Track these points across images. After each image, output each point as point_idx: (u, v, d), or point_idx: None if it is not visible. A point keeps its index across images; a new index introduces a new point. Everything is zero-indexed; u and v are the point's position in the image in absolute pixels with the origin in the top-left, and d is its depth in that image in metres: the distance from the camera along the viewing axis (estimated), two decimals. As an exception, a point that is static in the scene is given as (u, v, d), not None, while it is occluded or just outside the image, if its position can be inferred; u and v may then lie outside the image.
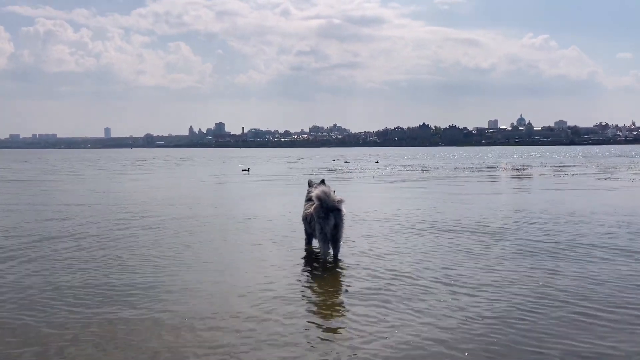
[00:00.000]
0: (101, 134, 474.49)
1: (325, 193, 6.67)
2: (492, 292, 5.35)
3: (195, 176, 28.04)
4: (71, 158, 75.31)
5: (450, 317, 4.66)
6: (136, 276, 6.13)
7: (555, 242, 7.80)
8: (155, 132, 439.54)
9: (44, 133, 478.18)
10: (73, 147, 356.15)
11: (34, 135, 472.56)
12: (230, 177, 26.72)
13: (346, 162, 48.77)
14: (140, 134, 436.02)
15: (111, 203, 14.05)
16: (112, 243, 8.10)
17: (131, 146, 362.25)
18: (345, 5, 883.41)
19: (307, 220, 7.17)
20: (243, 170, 31.40)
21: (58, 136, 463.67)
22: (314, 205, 6.81)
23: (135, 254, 7.33)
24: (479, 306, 4.94)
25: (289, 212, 11.26)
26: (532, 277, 5.92)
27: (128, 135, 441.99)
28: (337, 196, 6.72)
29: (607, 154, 72.64)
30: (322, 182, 7.73)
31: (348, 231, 7.89)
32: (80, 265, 6.71)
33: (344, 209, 6.74)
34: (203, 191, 18.74)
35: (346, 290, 5.47)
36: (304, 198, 7.82)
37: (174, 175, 29.76)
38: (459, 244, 7.75)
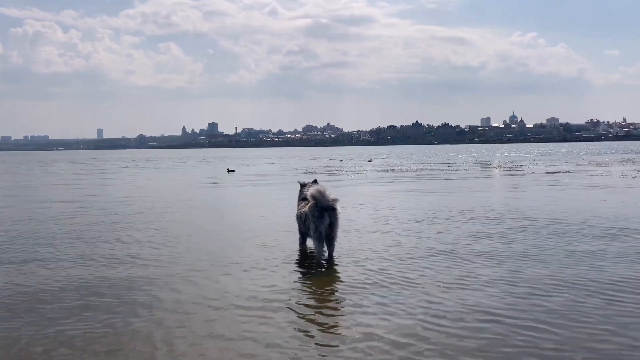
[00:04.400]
0: (93, 135, 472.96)
1: (320, 192, 6.59)
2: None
3: (182, 180, 27.85)
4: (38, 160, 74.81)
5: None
6: (136, 269, 6.01)
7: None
8: (148, 133, 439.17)
9: (35, 135, 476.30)
10: (65, 149, 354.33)
11: (25, 137, 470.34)
12: (214, 181, 26.54)
13: (340, 161, 48.87)
14: (133, 134, 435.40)
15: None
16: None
17: (124, 147, 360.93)
18: (333, 5, 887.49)
19: (302, 219, 7.09)
20: (229, 171, 30.88)
21: (50, 137, 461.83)
22: (309, 204, 6.73)
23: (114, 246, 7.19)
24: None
25: (281, 213, 11.15)
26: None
27: (121, 136, 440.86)
28: (332, 195, 6.64)
29: (619, 150, 73.00)
30: (315, 182, 7.66)
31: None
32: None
33: (339, 207, 6.66)
34: (188, 195, 18.58)
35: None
36: (296, 199, 7.74)
37: (168, 177, 29.53)
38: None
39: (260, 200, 14.37)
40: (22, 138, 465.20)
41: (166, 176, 28.84)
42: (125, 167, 43.18)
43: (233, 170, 31.00)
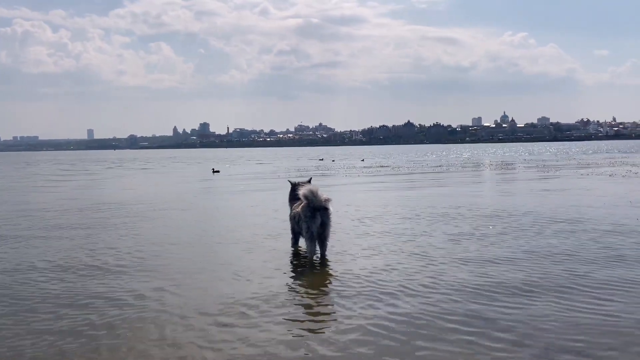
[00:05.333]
0: (84, 136, 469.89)
1: (312, 192, 6.58)
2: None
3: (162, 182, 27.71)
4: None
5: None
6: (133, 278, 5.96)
7: None
8: (139, 133, 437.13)
9: (25, 135, 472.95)
10: (55, 149, 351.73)
11: (14, 137, 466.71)
12: (195, 183, 26.43)
13: (332, 161, 48.91)
14: (124, 134, 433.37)
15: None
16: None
17: (115, 147, 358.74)
18: (324, 5, 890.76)
19: (296, 219, 7.06)
20: (214, 172, 30.57)
21: (40, 138, 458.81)
22: (301, 204, 6.73)
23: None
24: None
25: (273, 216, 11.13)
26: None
27: (111, 137, 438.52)
28: (324, 195, 6.63)
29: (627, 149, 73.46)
30: (309, 181, 7.65)
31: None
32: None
33: (331, 207, 6.66)
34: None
35: None
36: (287, 200, 7.74)
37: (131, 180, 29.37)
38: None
39: (245, 202, 14.33)
40: (11, 139, 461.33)
41: (147, 179, 28.70)
42: (110, 168, 42.90)
43: (218, 171, 30.86)
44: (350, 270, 6.18)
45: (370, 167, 34.98)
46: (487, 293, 5.20)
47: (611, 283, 5.44)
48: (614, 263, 6.26)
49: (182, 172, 33.34)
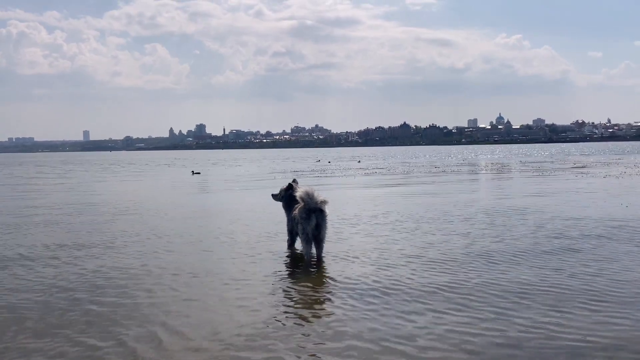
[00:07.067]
0: (80, 137, 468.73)
1: (307, 194, 6.62)
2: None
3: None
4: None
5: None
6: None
7: None
8: (135, 135, 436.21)
9: (20, 137, 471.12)
10: (51, 151, 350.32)
11: (10, 139, 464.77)
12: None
13: (328, 162, 48.85)
14: (120, 136, 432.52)
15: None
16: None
17: (110, 149, 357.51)
18: (318, 7, 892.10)
19: (295, 220, 7.08)
20: (193, 173, 30.12)
21: (35, 139, 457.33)
22: (299, 206, 6.78)
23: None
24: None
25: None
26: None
27: (107, 138, 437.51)
28: (320, 197, 6.66)
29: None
30: (294, 181, 7.65)
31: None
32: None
33: (327, 209, 6.69)
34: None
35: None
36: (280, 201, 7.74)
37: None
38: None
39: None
40: (6, 140, 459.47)
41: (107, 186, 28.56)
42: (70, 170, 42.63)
43: (198, 173, 30.56)
44: (347, 273, 6.21)
45: (367, 168, 34.95)
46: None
47: None
48: None
49: (157, 177, 32.43)
